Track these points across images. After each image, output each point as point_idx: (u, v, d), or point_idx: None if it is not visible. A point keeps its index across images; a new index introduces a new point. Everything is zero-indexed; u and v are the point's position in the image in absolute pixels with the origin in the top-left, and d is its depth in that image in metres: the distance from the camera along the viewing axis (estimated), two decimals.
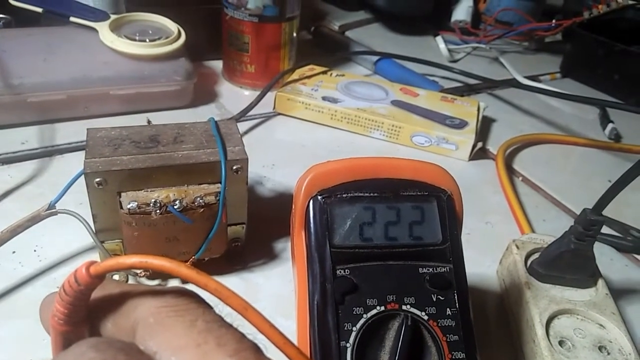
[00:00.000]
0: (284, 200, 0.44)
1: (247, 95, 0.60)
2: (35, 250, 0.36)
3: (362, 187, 0.26)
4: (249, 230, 0.38)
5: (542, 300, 0.32)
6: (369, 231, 0.25)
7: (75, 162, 0.45)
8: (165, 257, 0.30)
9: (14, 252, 0.36)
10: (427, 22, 0.84)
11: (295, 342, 0.28)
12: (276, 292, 0.36)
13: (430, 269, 0.25)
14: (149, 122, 0.41)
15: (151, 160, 0.33)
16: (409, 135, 0.53)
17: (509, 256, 0.37)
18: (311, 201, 0.26)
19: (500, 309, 0.36)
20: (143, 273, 0.34)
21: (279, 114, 0.57)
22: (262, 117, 0.56)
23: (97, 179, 0.32)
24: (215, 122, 0.37)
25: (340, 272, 0.25)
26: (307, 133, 0.54)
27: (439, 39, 0.78)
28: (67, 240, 0.37)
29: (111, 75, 0.50)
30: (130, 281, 0.35)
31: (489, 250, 0.40)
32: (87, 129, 0.35)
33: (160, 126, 0.36)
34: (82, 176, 0.33)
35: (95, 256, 0.37)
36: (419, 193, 0.26)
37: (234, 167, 0.34)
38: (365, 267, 0.25)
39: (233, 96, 0.59)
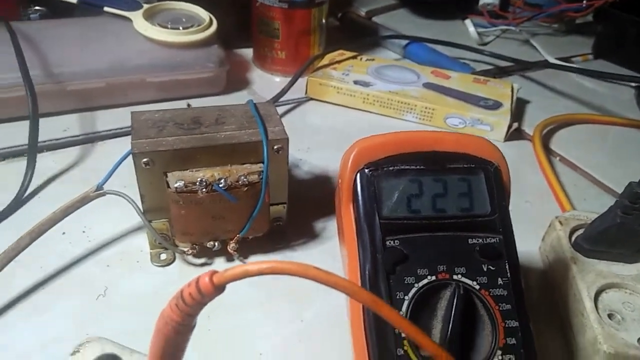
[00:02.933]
0: (321, 182, 0.45)
1: (278, 81, 0.60)
2: (84, 232, 0.38)
3: (409, 160, 0.26)
4: (289, 210, 0.38)
5: (589, 274, 0.32)
6: (417, 203, 0.26)
7: (117, 148, 0.46)
8: (213, 234, 0.31)
9: (63, 233, 0.37)
10: (455, 6, 0.83)
11: (347, 313, 0.29)
12: (325, 268, 0.36)
13: (480, 240, 0.25)
14: (188, 106, 0.41)
15: (195, 141, 0.33)
16: (442, 117, 0.53)
17: (552, 232, 0.36)
18: (358, 174, 0.26)
19: (543, 285, 0.36)
20: (190, 251, 0.35)
21: (311, 98, 0.57)
22: (294, 102, 0.56)
23: (145, 159, 0.32)
24: (254, 104, 0.37)
25: (389, 242, 0.25)
26: (339, 117, 0.54)
27: (467, 22, 0.77)
28: (113, 221, 0.38)
29: (146, 63, 0.50)
30: (177, 259, 0.36)
31: (530, 229, 0.40)
32: (132, 112, 0.36)
33: (201, 109, 0.37)
34: (127, 158, 0.34)
35: (141, 236, 0.37)
36: (465, 165, 0.26)
37: (275, 147, 0.35)
38: (414, 238, 0.25)
39: (264, 83, 0.60)
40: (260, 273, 0.16)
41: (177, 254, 0.36)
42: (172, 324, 0.17)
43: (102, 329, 0.31)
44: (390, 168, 0.26)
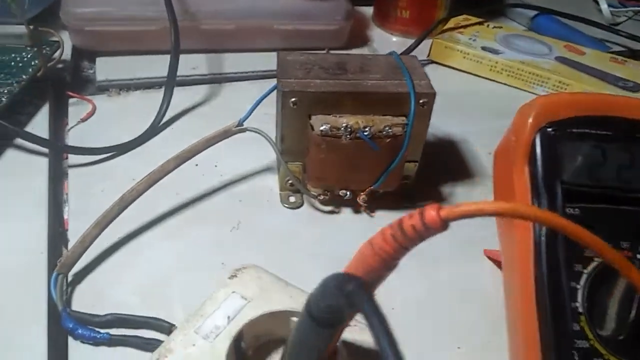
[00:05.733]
0: (444, 145, 0.43)
1: (395, 41, 0.59)
2: (216, 166, 0.38)
3: (595, 124, 0.24)
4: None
5: None
6: (602, 172, 0.24)
7: (243, 90, 0.47)
8: (346, 183, 0.30)
9: (196, 165, 0.38)
10: None
11: (504, 281, 0.27)
12: (449, 232, 0.35)
13: None
14: (327, 51, 0.41)
15: (342, 86, 0.33)
16: None
17: None
18: (539, 133, 0.24)
19: None
20: (322, 196, 0.35)
21: (432, 62, 0.55)
22: None
23: (293, 99, 0.32)
24: (399, 55, 0.36)
25: (570, 210, 0.23)
26: (462, 83, 0.52)
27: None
28: (243, 159, 0.38)
29: (277, 9, 0.50)
30: (305, 203, 0.36)
31: None
32: (278, 53, 0.36)
33: (344, 55, 0.36)
34: (266, 97, 0.34)
35: (270, 176, 0.38)
36: None
37: (421, 101, 0.33)
38: (596, 208, 0.23)
39: (383, 41, 0.58)
40: (497, 213, 0.15)
41: (304, 199, 0.36)
42: (383, 255, 0.16)
43: (237, 260, 0.32)
44: (575, 130, 0.24)
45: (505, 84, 0.52)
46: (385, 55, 0.37)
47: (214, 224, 0.34)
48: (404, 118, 0.33)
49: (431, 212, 0.15)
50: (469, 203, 0.15)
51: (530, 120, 0.24)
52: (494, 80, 0.52)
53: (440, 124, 0.45)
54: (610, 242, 0.22)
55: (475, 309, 0.30)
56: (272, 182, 0.37)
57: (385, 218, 0.36)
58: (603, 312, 0.22)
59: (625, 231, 0.23)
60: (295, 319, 0.24)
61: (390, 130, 0.33)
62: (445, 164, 0.41)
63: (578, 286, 0.22)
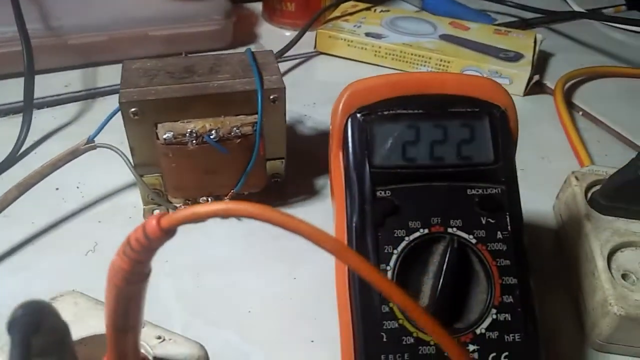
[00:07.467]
0: (324, 138, 0.43)
1: (288, 35, 0.58)
2: (78, 187, 0.37)
3: (406, 104, 0.24)
4: (290, 166, 0.37)
5: (604, 232, 0.29)
6: (413, 150, 0.24)
7: (117, 103, 0.45)
8: (207, 190, 0.29)
9: (57, 188, 0.36)
10: None
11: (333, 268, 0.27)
12: (318, 226, 0.35)
13: (480, 190, 0.23)
14: (185, 55, 0.40)
15: (186, 90, 0.32)
16: (458, 69, 0.50)
17: (567, 189, 0.34)
18: (350, 119, 0.24)
19: (555, 246, 0.34)
20: (183, 207, 0.34)
21: (320, 53, 0.54)
22: (303, 57, 0.54)
23: (133, 109, 0.31)
24: (252, 52, 0.35)
25: (380, 193, 0.23)
26: (349, 72, 0.52)
27: None
28: (107, 177, 0.37)
29: (150, 15, 0.49)
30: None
31: (544, 187, 0.38)
32: (124, 61, 0.34)
33: (197, 57, 0.35)
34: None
35: (136, 191, 0.36)
36: (468, 110, 0.24)
37: (271, 97, 0.33)
38: (407, 188, 0.23)
39: (273, 37, 0.58)
40: (211, 215, 0.14)
41: (170, 211, 0.35)
42: (122, 272, 0.15)
43: (89, 286, 0.30)
44: (385, 112, 0.24)
45: (391, 67, 0.52)
46: (241, 53, 0.36)
47: (67, 251, 0.32)
48: (256, 116, 0.33)
49: (151, 222, 0.14)
50: (186, 208, 0.14)
51: (341, 107, 0.24)
52: (380, 66, 0.52)
53: (322, 116, 0.45)
54: (420, 219, 0.22)
55: (331, 303, 0.30)
56: (136, 198, 0.36)
57: None
58: (417, 289, 0.22)
59: (435, 207, 0.23)
60: None
61: (238, 130, 0.32)
62: (322, 157, 0.41)
63: (388, 268, 0.22)
